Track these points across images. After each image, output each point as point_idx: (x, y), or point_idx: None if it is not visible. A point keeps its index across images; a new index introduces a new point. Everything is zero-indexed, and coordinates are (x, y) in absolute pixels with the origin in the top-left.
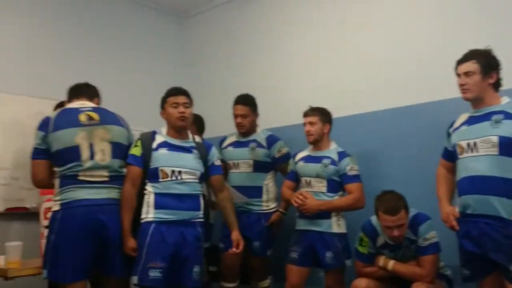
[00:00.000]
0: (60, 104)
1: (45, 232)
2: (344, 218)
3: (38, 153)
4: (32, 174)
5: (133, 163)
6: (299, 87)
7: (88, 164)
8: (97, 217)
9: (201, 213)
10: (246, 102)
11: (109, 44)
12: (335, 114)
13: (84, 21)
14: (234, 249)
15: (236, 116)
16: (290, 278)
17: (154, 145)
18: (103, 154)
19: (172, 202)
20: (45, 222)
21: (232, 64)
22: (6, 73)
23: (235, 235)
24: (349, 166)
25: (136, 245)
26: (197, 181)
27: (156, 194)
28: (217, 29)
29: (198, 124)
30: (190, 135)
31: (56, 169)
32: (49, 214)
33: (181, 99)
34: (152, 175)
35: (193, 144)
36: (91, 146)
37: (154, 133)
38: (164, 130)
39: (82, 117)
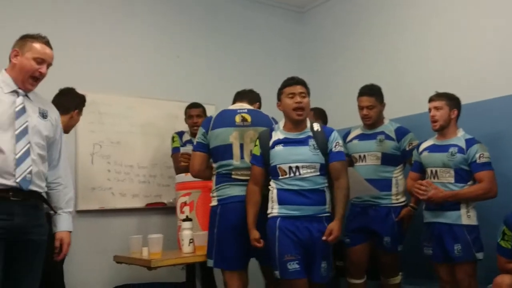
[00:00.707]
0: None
1: (182, 225)
2: (475, 209)
3: (199, 146)
4: (190, 164)
5: (254, 163)
6: (423, 74)
7: (239, 163)
8: None
9: (327, 207)
10: (372, 92)
11: (231, 43)
12: (463, 101)
13: (208, 25)
14: (324, 237)
15: (361, 108)
16: (440, 275)
17: (271, 142)
18: (251, 155)
19: (295, 198)
20: (182, 216)
21: (350, 55)
22: (141, 79)
23: (334, 224)
24: (479, 154)
25: (258, 235)
26: (317, 173)
27: (278, 190)
28: (333, 21)
29: (321, 117)
30: (308, 123)
31: (213, 165)
32: (185, 208)
33: (298, 88)
34: (273, 172)
35: (310, 134)
36: (241, 146)
37: (271, 130)
38: (281, 124)
39: (237, 118)
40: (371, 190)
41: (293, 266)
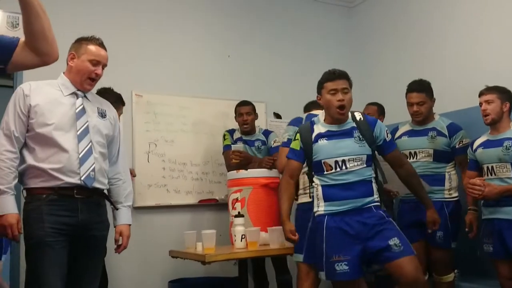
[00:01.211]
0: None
1: (234, 220)
2: None
3: (287, 143)
4: (279, 160)
5: (293, 158)
6: (474, 66)
7: None
8: None
9: (376, 197)
10: (422, 88)
11: (280, 41)
12: None
13: (257, 23)
14: (429, 230)
15: (411, 104)
16: (500, 272)
17: (313, 136)
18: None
19: (341, 193)
20: (233, 212)
21: (399, 48)
22: (193, 80)
23: (431, 213)
24: None
25: (294, 227)
26: (364, 165)
27: (323, 186)
28: (382, 15)
29: (383, 113)
30: (349, 114)
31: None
32: (237, 204)
33: (340, 84)
34: (317, 168)
35: (353, 124)
36: None
37: (312, 123)
38: (321, 116)
39: None
40: (424, 186)
41: (341, 267)
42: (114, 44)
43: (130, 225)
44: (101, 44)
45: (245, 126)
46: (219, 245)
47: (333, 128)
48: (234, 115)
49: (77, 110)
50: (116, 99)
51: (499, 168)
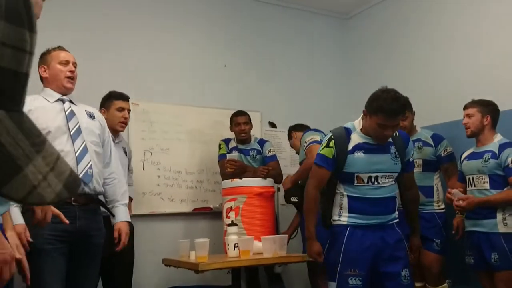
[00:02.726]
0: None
1: (228, 229)
2: None
3: (319, 142)
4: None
5: (324, 166)
6: (469, 79)
7: None
8: None
9: (396, 214)
10: None
11: (277, 51)
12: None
13: (254, 33)
14: (412, 255)
15: None
16: (482, 284)
17: (350, 146)
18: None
19: (368, 207)
20: (227, 221)
21: (394, 60)
22: (189, 88)
23: (417, 240)
24: (511, 157)
25: (321, 248)
26: (393, 182)
27: (349, 197)
28: (377, 27)
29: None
30: None
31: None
32: (231, 213)
33: (394, 122)
34: (346, 178)
35: (390, 140)
36: None
37: (348, 131)
38: (357, 125)
39: None
40: None
41: (355, 282)
42: (111, 52)
43: (128, 222)
44: (62, 48)
45: (242, 135)
46: (213, 254)
47: (370, 140)
48: (230, 124)
49: (67, 113)
50: (104, 99)
51: (478, 180)
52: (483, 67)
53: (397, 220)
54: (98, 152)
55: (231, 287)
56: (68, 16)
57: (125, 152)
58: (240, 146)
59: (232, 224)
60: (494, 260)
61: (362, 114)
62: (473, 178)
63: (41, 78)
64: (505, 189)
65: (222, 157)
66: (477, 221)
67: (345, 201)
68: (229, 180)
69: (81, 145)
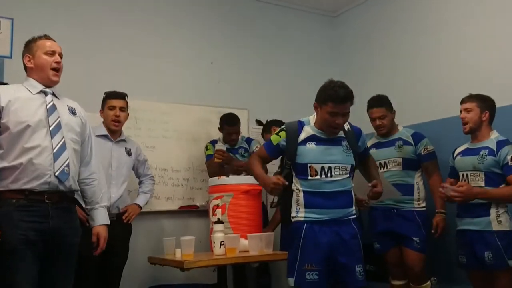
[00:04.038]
0: None
1: (214, 227)
2: (507, 214)
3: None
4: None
5: (266, 148)
6: (459, 77)
7: None
8: None
9: (353, 209)
10: (381, 103)
11: (264, 48)
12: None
13: (242, 31)
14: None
15: (373, 119)
16: (473, 283)
17: (302, 137)
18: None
19: (323, 201)
20: (214, 218)
21: (382, 58)
22: (175, 86)
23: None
24: (510, 155)
25: (277, 177)
26: (347, 176)
27: (305, 192)
28: (364, 25)
29: None
30: None
31: None
32: (217, 211)
33: (344, 108)
34: (300, 171)
35: (342, 135)
36: None
37: (300, 124)
38: (311, 119)
39: None
40: (395, 193)
41: (312, 276)
42: (97, 49)
43: (107, 225)
44: (47, 37)
45: (232, 142)
46: (200, 252)
47: (323, 134)
48: (219, 126)
49: (48, 107)
50: (104, 96)
51: (473, 176)
52: (470, 65)
53: (354, 216)
54: (77, 149)
55: (217, 285)
56: (56, 12)
57: (128, 153)
58: (228, 146)
59: (218, 221)
60: (488, 259)
61: (314, 109)
62: (467, 175)
63: (25, 67)
64: (500, 187)
65: (209, 157)
66: (469, 219)
67: (301, 196)
68: (216, 177)
69: (60, 142)
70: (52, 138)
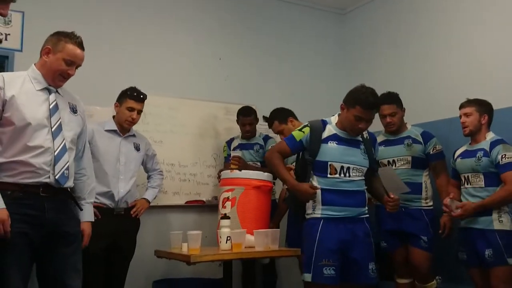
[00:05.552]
0: None
1: (221, 222)
2: (509, 214)
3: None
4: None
5: (288, 143)
6: (466, 76)
7: None
8: None
9: (366, 209)
10: (392, 100)
11: (272, 45)
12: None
13: (250, 27)
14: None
15: (384, 116)
16: (474, 280)
17: (324, 136)
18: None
19: (340, 199)
20: (223, 210)
21: (390, 56)
22: (183, 81)
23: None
24: (501, 154)
25: (310, 184)
26: (362, 177)
27: (322, 189)
28: (373, 23)
29: None
30: None
31: None
32: (227, 203)
33: (370, 115)
34: (320, 168)
35: (360, 139)
36: None
37: (324, 123)
38: (333, 119)
39: None
40: (404, 188)
41: (329, 272)
42: (105, 45)
43: (92, 222)
44: (79, 44)
45: (246, 134)
46: (206, 246)
47: (344, 134)
48: (236, 118)
49: (51, 106)
50: (124, 92)
51: (473, 178)
52: (476, 66)
53: (367, 215)
54: (73, 148)
55: (222, 279)
56: (67, 6)
57: (137, 148)
58: (245, 141)
59: (225, 217)
60: (488, 256)
61: (340, 109)
62: (468, 177)
63: (41, 54)
64: (499, 187)
65: (225, 160)
66: (472, 218)
67: (319, 194)
68: (229, 171)
69: (61, 143)
70: (53, 139)
